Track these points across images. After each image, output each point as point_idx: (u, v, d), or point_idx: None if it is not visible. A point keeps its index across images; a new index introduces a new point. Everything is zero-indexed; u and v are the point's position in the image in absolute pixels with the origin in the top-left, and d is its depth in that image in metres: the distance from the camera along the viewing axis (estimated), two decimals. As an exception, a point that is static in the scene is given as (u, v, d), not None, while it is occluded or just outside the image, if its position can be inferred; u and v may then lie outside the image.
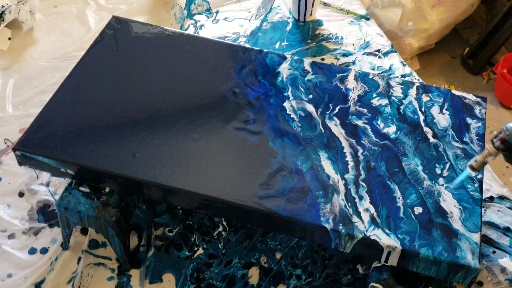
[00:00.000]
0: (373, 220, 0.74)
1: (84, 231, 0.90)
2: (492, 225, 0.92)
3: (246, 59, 0.96)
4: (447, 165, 0.81)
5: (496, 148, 0.71)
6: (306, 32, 1.28)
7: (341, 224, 0.73)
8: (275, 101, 0.89)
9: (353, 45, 1.25)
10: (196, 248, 0.89)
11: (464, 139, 0.85)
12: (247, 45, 1.09)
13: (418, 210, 0.76)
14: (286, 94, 0.91)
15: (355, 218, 0.74)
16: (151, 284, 0.85)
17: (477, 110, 0.91)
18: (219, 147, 0.82)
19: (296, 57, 0.98)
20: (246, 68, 0.95)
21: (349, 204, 0.76)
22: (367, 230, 0.73)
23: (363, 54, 1.22)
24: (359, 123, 0.87)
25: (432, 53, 2.06)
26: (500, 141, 0.71)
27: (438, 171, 0.81)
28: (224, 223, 0.91)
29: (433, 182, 0.79)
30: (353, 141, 0.84)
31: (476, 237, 0.73)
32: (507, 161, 0.73)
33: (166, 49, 0.97)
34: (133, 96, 0.89)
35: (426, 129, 0.87)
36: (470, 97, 0.93)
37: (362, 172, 0.80)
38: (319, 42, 1.26)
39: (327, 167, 0.80)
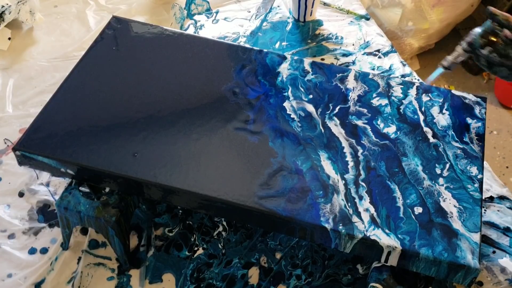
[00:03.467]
0: (373, 220, 0.74)
1: (84, 231, 0.90)
2: (492, 225, 0.92)
3: (246, 59, 0.96)
4: (447, 165, 0.81)
5: (465, 50, 0.83)
6: (306, 32, 1.28)
7: (341, 224, 0.73)
8: (275, 101, 0.89)
9: (353, 45, 1.25)
10: (196, 248, 0.89)
11: (464, 139, 0.85)
12: (247, 45, 1.09)
13: (418, 210, 0.76)
14: (286, 94, 0.91)
15: (355, 218, 0.74)
16: (151, 284, 0.85)
17: (477, 110, 0.91)
18: (219, 147, 0.82)
19: (296, 57, 0.98)
20: (246, 68, 0.95)
21: (349, 204, 0.76)
22: (367, 230, 0.73)
23: (363, 54, 1.22)
24: (359, 123, 0.87)
25: (432, 53, 2.06)
26: (467, 44, 0.81)
27: (438, 171, 0.81)
28: (224, 223, 0.92)
29: (433, 182, 0.79)
30: (353, 141, 0.84)
31: (476, 237, 0.73)
32: (476, 61, 0.83)
33: (166, 49, 0.97)
34: (133, 96, 0.89)
35: (426, 129, 0.87)
36: (470, 97, 0.93)
37: (362, 172, 0.80)
38: (319, 42, 1.26)
39: (327, 167, 0.80)
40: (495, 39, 0.79)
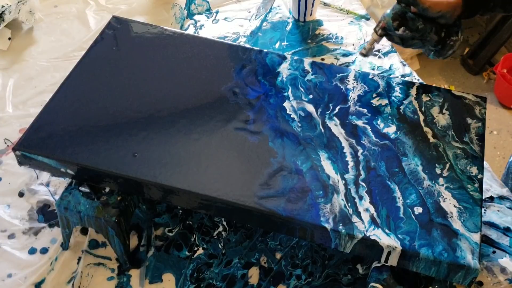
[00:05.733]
0: (373, 220, 0.74)
1: (84, 231, 0.90)
2: (492, 225, 0.92)
3: (246, 59, 0.96)
4: (447, 165, 0.81)
5: (379, 35, 0.89)
6: (306, 32, 1.28)
7: (341, 224, 0.73)
8: (275, 101, 0.90)
9: (353, 45, 1.25)
10: (196, 248, 0.89)
11: (464, 139, 0.85)
12: (247, 45, 1.09)
13: (418, 210, 0.76)
14: (286, 94, 0.91)
15: (355, 218, 0.74)
16: (151, 284, 0.85)
17: (477, 110, 0.91)
18: (219, 147, 0.82)
19: (296, 57, 0.98)
20: (246, 68, 0.95)
21: (349, 204, 0.76)
22: (367, 230, 0.73)
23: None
24: (359, 123, 0.87)
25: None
26: (380, 28, 0.88)
27: (438, 171, 0.81)
28: (224, 223, 0.92)
29: (433, 182, 0.79)
30: (353, 141, 0.84)
31: (476, 237, 0.73)
32: (390, 40, 0.90)
33: (166, 49, 0.97)
34: (133, 96, 0.89)
35: (426, 129, 0.87)
36: (470, 97, 0.93)
37: (362, 172, 0.80)
38: (319, 42, 1.26)
39: (327, 167, 0.80)
40: (405, 18, 0.85)
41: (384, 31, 0.88)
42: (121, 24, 1.01)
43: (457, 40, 0.85)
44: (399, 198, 0.77)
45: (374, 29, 0.89)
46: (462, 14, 0.81)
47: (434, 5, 0.81)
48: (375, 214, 0.75)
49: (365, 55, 0.93)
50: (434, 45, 0.87)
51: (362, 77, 0.95)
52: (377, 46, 1.25)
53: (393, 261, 0.74)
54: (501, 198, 0.96)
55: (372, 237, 0.72)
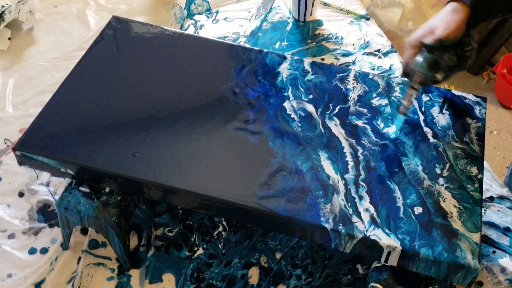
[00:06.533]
0: (373, 220, 0.74)
1: (84, 231, 0.90)
2: (492, 225, 0.92)
3: (246, 59, 0.96)
4: (447, 165, 0.81)
5: (418, 90, 0.83)
6: (306, 32, 1.28)
7: (341, 224, 0.73)
8: (275, 101, 0.90)
9: (353, 45, 1.25)
10: (196, 248, 0.89)
11: (464, 139, 0.85)
12: (247, 45, 1.09)
13: (418, 210, 0.76)
14: (286, 94, 0.91)
15: (355, 218, 0.74)
16: (151, 284, 0.85)
17: (477, 110, 0.91)
18: (219, 147, 0.82)
19: (296, 57, 0.98)
20: (246, 68, 0.95)
21: (349, 204, 0.76)
22: (367, 230, 0.73)
23: (363, 54, 1.22)
24: (359, 123, 0.87)
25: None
26: (418, 83, 0.83)
27: (438, 171, 0.81)
28: (224, 223, 0.92)
29: (433, 182, 0.79)
30: (353, 141, 0.84)
31: (476, 237, 0.73)
32: (425, 85, 0.85)
33: (166, 49, 0.97)
34: (133, 96, 0.89)
35: (426, 129, 0.87)
36: (470, 97, 0.93)
37: (362, 172, 0.80)
38: (319, 42, 1.26)
39: (327, 167, 0.80)
40: (439, 63, 0.81)
41: (422, 84, 0.83)
42: (121, 24, 1.01)
43: (472, 49, 0.83)
44: (399, 198, 0.77)
45: (411, 86, 0.83)
46: (468, 27, 0.81)
47: (447, 36, 0.80)
48: (375, 214, 0.75)
49: (406, 114, 0.85)
50: (456, 64, 0.84)
51: (362, 77, 0.95)
52: (377, 46, 1.26)
53: (393, 261, 0.74)
54: (501, 198, 0.96)
55: (372, 237, 0.72)
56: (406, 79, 0.87)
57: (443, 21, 0.81)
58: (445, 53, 0.81)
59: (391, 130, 0.86)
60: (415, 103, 0.91)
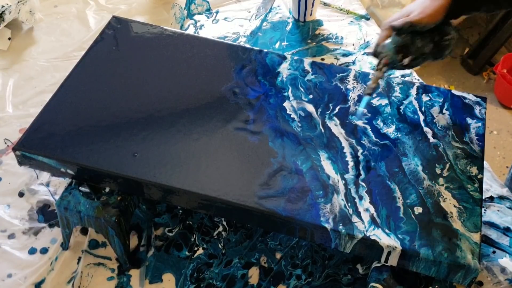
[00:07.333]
0: (373, 220, 0.74)
1: (84, 231, 0.90)
2: (492, 225, 0.92)
3: (246, 59, 0.96)
4: (447, 165, 0.81)
5: (383, 71, 0.82)
6: (306, 32, 1.28)
7: (341, 224, 0.73)
8: (275, 101, 0.90)
9: (353, 45, 1.25)
10: (196, 248, 0.89)
11: (464, 139, 0.85)
12: (247, 45, 1.09)
13: (418, 210, 0.76)
14: (286, 94, 0.91)
15: (355, 218, 0.74)
16: (151, 284, 0.85)
17: (477, 110, 0.91)
18: (219, 147, 0.82)
19: (296, 57, 0.98)
20: (246, 68, 0.95)
21: (349, 204, 0.76)
22: (367, 230, 0.73)
23: (363, 54, 1.22)
24: (359, 123, 0.87)
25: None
26: (383, 65, 0.81)
27: (438, 171, 0.81)
28: (224, 223, 0.92)
29: (433, 182, 0.79)
30: (353, 141, 0.84)
31: (476, 237, 0.73)
32: (393, 69, 0.84)
33: (166, 49, 0.97)
34: (133, 96, 0.89)
35: (426, 129, 0.87)
36: (470, 97, 0.93)
37: (362, 172, 0.80)
38: (319, 42, 1.26)
39: (327, 167, 0.80)
40: (408, 47, 0.80)
41: (388, 66, 0.82)
42: (121, 24, 1.01)
43: (451, 39, 0.81)
44: (399, 198, 0.77)
45: (377, 67, 0.82)
46: (448, 15, 0.80)
47: (420, 20, 0.78)
48: (375, 214, 0.75)
49: (371, 94, 0.85)
50: (432, 51, 0.83)
51: (362, 77, 0.95)
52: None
53: (393, 261, 0.74)
54: (501, 198, 0.96)
55: (372, 237, 0.72)
56: (375, 59, 0.85)
57: (420, 5, 0.80)
58: (418, 38, 0.79)
59: (358, 112, 0.85)
60: (415, 103, 0.91)
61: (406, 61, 0.81)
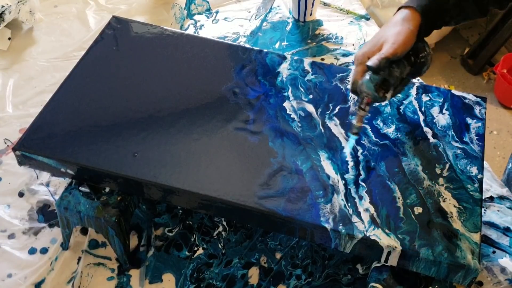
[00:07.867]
0: (373, 220, 0.74)
1: (84, 231, 0.90)
2: (492, 225, 0.92)
3: (246, 59, 0.96)
4: (447, 165, 0.81)
5: (367, 110, 0.80)
6: (306, 32, 1.28)
7: (341, 224, 0.73)
8: (275, 101, 0.90)
9: (353, 45, 1.25)
10: (196, 248, 0.89)
11: (464, 139, 0.85)
12: (247, 45, 1.09)
13: (418, 210, 0.76)
14: (286, 94, 0.91)
15: (355, 218, 0.74)
16: (151, 284, 0.85)
17: (477, 110, 0.91)
18: (219, 147, 0.82)
19: (296, 57, 0.98)
20: (246, 68, 0.95)
21: (349, 204, 0.76)
22: (367, 230, 0.73)
23: (363, 54, 1.22)
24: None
25: (432, 53, 2.07)
26: (366, 104, 0.79)
27: (438, 171, 0.81)
28: (224, 223, 0.92)
29: (433, 182, 0.79)
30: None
31: (476, 237, 0.73)
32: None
33: (166, 49, 0.97)
34: (133, 96, 0.89)
35: (426, 129, 0.87)
36: (470, 97, 0.93)
37: (362, 172, 0.80)
38: (319, 42, 1.26)
39: (327, 167, 0.80)
40: (388, 82, 0.77)
41: (371, 104, 0.79)
42: (121, 24, 1.01)
43: (427, 55, 0.78)
44: (399, 198, 0.77)
45: (360, 107, 0.79)
46: (419, 35, 0.77)
47: (395, 52, 0.74)
48: (375, 214, 0.75)
49: (358, 133, 0.82)
50: (410, 73, 0.80)
51: (362, 77, 0.94)
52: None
53: (393, 261, 0.74)
54: (501, 198, 0.96)
55: (372, 237, 0.72)
56: (355, 96, 0.82)
57: (391, 33, 0.75)
58: (394, 68, 0.76)
59: (346, 151, 0.82)
60: (415, 103, 0.91)
61: (388, 96, 0.78)
